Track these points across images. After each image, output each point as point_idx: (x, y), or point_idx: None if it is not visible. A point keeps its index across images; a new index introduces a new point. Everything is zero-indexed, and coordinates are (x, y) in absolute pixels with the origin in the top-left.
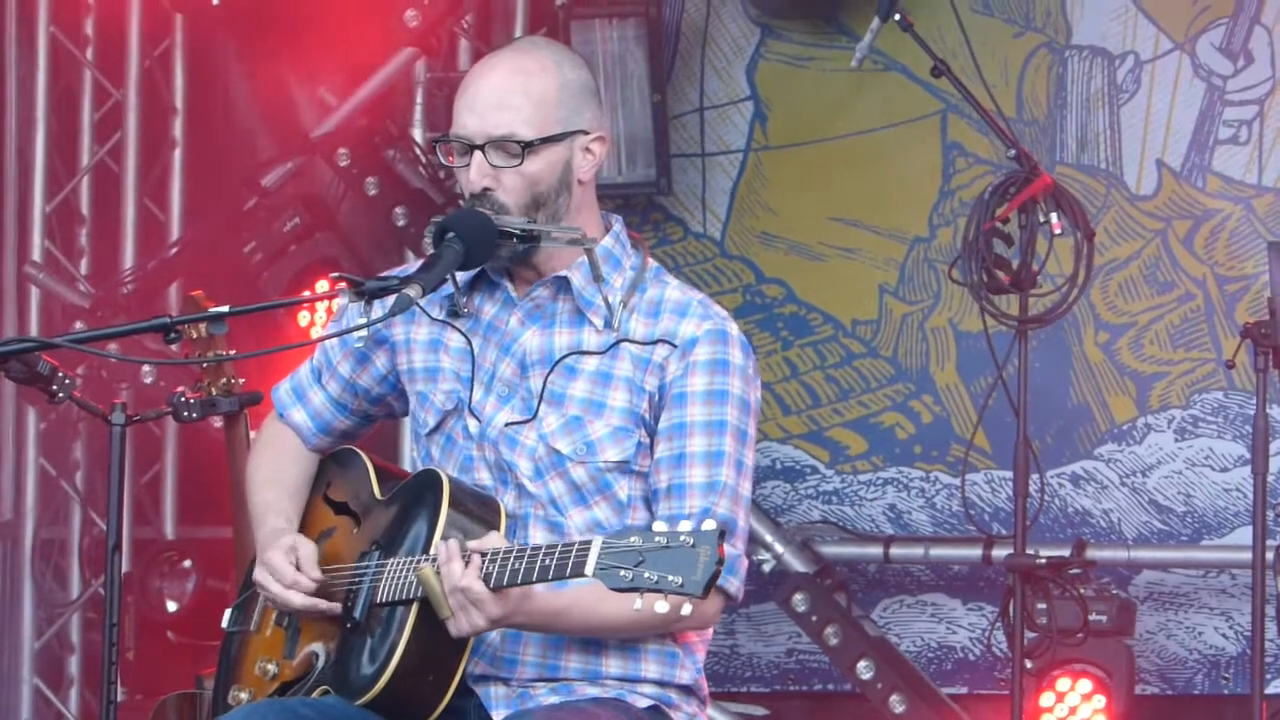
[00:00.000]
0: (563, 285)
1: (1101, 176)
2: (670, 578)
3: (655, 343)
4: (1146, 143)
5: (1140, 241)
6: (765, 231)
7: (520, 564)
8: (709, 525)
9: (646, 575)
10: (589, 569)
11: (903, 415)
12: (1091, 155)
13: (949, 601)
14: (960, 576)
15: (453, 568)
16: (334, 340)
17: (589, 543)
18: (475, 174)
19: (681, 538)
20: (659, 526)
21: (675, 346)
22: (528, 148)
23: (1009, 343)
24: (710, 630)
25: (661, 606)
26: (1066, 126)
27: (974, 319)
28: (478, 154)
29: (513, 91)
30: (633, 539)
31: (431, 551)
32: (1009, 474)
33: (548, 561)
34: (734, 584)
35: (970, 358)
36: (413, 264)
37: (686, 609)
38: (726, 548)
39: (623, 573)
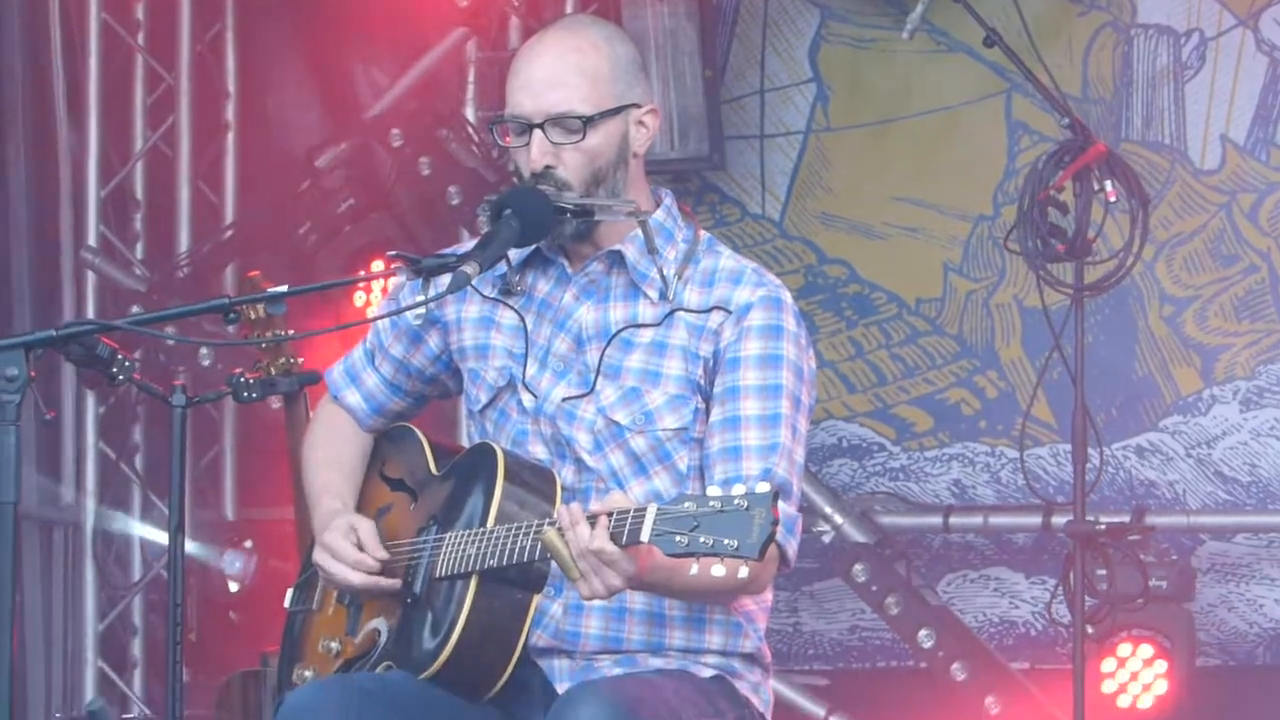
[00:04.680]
0: (616, 259)
1: (1166, 152)
2: (726, 541)
3: (710, 310)
4: (1210, 118)
5: (1204, 215)
6: (825, 212)
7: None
8: (763, 488)
9: (702, 539)
10: (645, 535)
11: (968, 391)
12: (1156, 132)
13: (1012, 575)
14: (1023, 550)
15: (581, 531)
16: (386, 322)
17: (644, 509)
18: (536, 152)
19: (736, 501)
20: (713, 491)
21: (730, 312)
22: (588, 123)
23: (1068, 314)
24: (769, 598)
25: (718, 570)
26: (1132, 104)
27: (1039, 295)
28: (537, 132)
29: (567, 70)
30: (687, 504)
31: (490, 524)
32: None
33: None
34: (792, 543)
35: (1035, 333)
36: (467, 242)
37: (744, 572)
38: (784, 506)
39: (678, 538)
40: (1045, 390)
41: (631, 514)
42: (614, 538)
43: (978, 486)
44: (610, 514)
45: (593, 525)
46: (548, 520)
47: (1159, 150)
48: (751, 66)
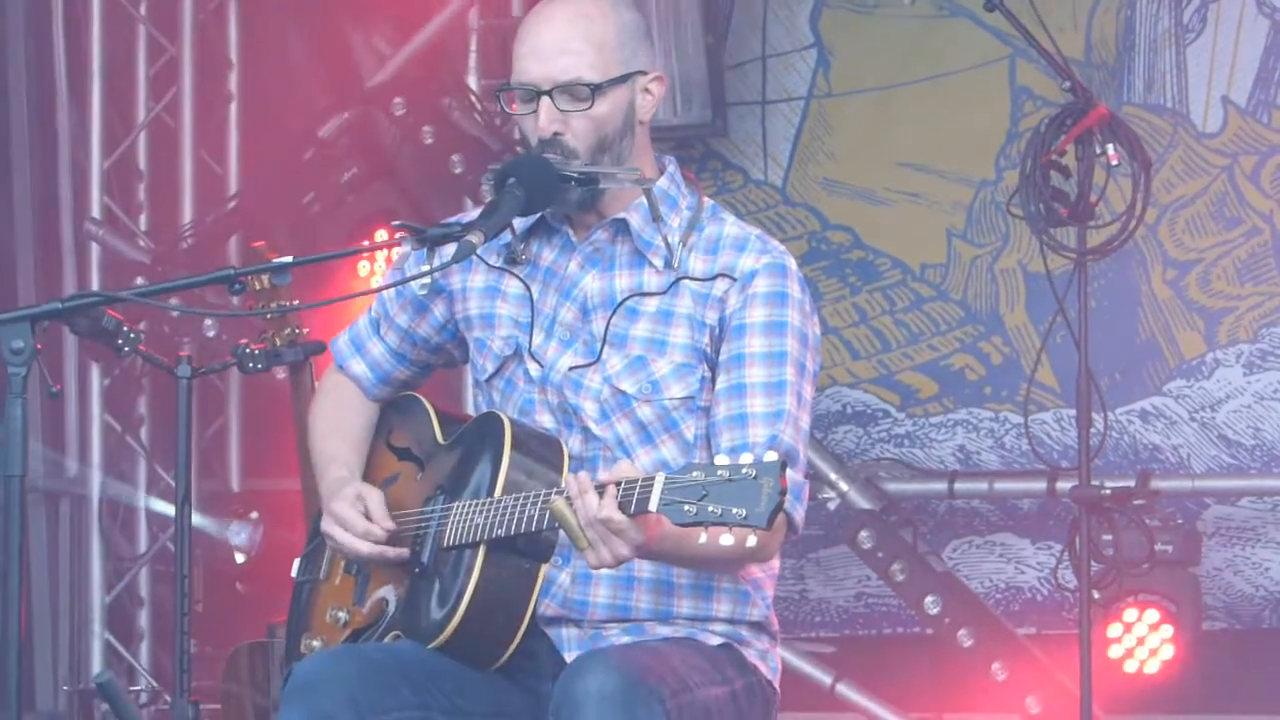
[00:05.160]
0: (621, 227)
1: (1168, 115)
2: (734, 510)
3: (715, 278)
4: (1212, 81)
5: (1207, 178)
6: (828, 178)
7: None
8: (770, 456)
9: (710, 509)
10: (653, 504)
11: (972, 357)
12: (1158, 95)
13: (1018, 541)
14: (1029, 516)
15: (589, 499)
16: (391, 292)
17: (652, 478)
18: (545, 119)
19: (744, 470)
20: (721, 460)
21: (734, 280)
22: (596, 90)
23: (1071, 278)
24: (776, 565)
25: (726, 539)
26: (1134, 68)
27: (1042, 260)
28: (545, 100)
29: (574, 37)
30: (695, 474)
31: (497, 493)
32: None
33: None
34: (799, 512)
35: (1039, 298)
36: (472, 211)
37: (752, 541)
38: (791, 474)
39: (686, 507)
40: (1049, 355)
41: (640, 483)
42: (621, 506)
43: (982, 452)
44: (618, 483)
45: (600, 495)
46: (555, 489)
47: (1161, 113)
48: (753, 32)
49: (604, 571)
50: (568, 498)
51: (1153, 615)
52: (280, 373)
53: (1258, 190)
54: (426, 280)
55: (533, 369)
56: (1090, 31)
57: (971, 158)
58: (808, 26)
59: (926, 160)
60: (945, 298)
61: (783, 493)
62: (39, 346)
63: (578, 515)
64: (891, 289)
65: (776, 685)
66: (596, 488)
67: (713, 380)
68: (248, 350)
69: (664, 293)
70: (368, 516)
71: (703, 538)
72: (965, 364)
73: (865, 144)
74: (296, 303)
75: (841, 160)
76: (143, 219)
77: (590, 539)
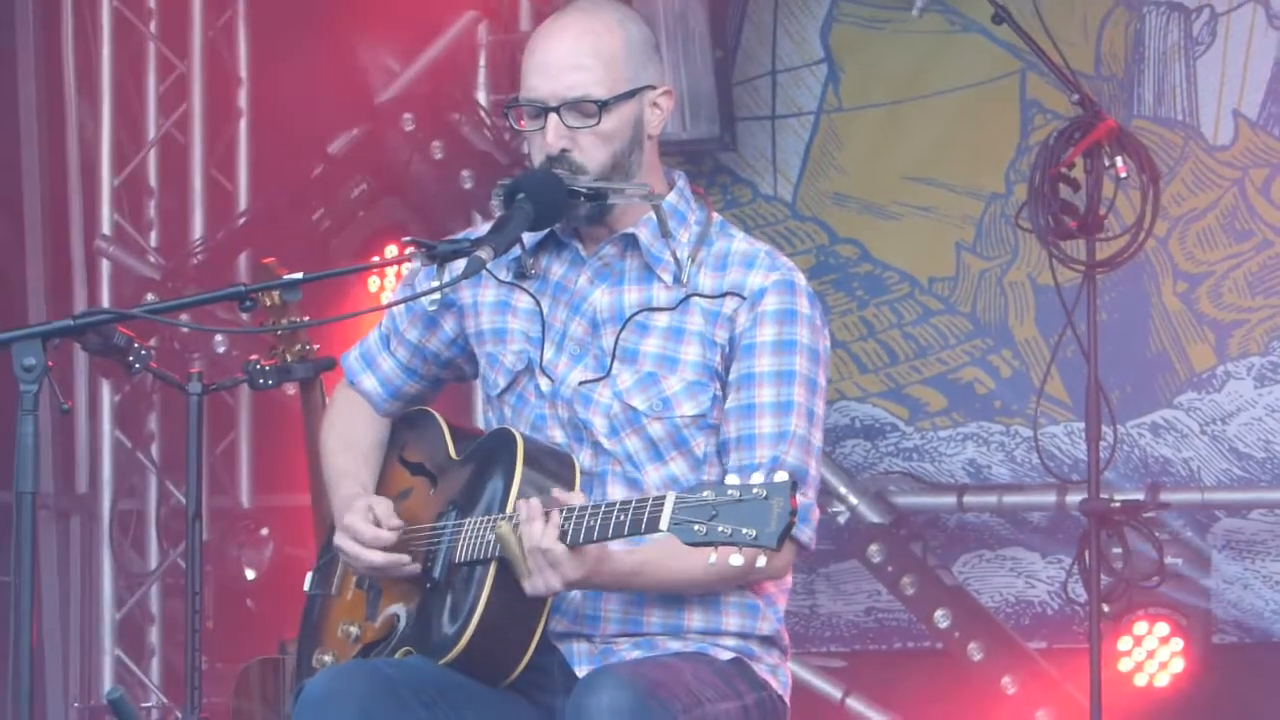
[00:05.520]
0: (630, 242)
1: (1179, 129)
2: (744, 530)
3: (724, 295)
4: (1223, 94)
5: (1218, 191)
6: (838, 192)
7: (595, 521)
8: (781, 476)
9: (720, 529)
10: (663, 524)
11: (982, 370)
12: (1169, 108)
13: (1028, 555)
14: (1039, 529)
15: (533, 527)
16: (401, 307)
17: (663, 498)
18: (552, 136)
19: (754, 490)
20: (731, 479)
21: (744, 298)
22: (603, 107)
23: (1080, 291)
24: (789, 580)
25: (736, 560)
26: (1144, 81)
27: (1051, 273)
28: (553, 116)
29: (582, 52)
30: (706, 493)
31: (509, 509)
32: None
33: (622, 518)
34: (806, 533)
35: (1049, 311)
36: (481, 226)
37: (761, 561)
38: (798, 497)
39: (696, 527)
40: (1059, 368)
41: (650, 503)
42: (562, 536)
43: (993, 466)
44: (562, 511)
45: (548, 522)
46: (505, 515)
47: (1172, 126)
48: (763, 47)
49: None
50: (516, 524)
51: (1163, 628)
52: (291, 389)
53: (1269, 203)
54: (436, 295)
55: (543, 384)
56: (1100, 45)
57: (982, 171)
58: (818, 41)
59: (936, 174)
60: (954, 311)
61: (793, 513)
62: (50, 364)
63: (522, 541)
64: (899, 302)
65: (787, 700)
66: (547, 514)
67: (724, 398)
68: (258, 366)
69: (674, 309)
70: (376, 523)
71: (712, 557)
72: (974, 377)
73: (875, 158)
74: (307, 319)
75: (851, 174)
76: (153, 235)
77: (530, 567)
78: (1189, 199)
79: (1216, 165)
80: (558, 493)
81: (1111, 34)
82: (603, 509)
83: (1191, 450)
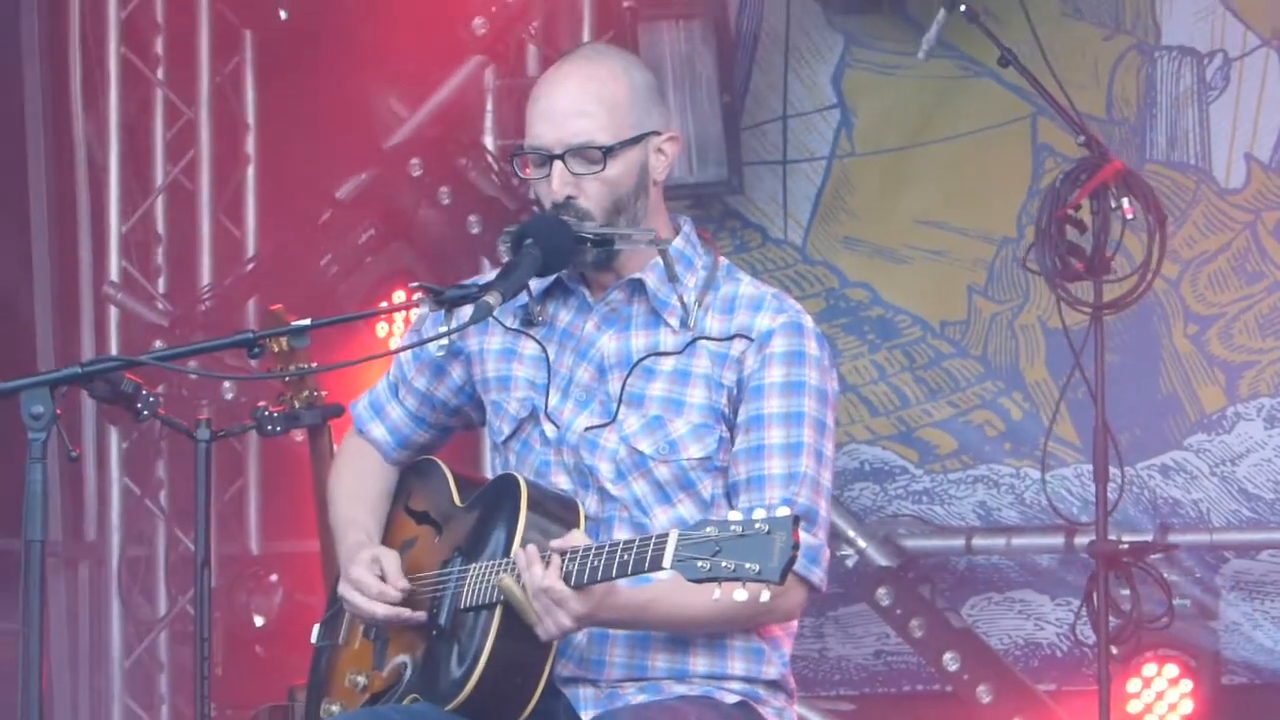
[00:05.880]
0: (637, 287)
1: (1191, 173)
2: (747, 565)
3: (732, 338)
4: (1235, 138)
5: (1229, 234)
6: (849, 236)
7: (599, 561)
8: (783, 511)
9: (723, 564)
10: (666, 561)
11: (992, 413)
12: (1181, 152)
13: (1037, 598)
14: (1049, 571)
15: (534, 571)
16: (409, 355)
17: (665, 536)
18: (557, 183)
19: (756, 525)
20: (734, 516)
21: (751, 340)
22: (608, 153)
23: (1087, 332)
24: (795, 624)
25: (740, 595)
26: (1156, 125)
27: (1065, 315)
28: (558, 163)
29: (587, 99)
30: (709, 530)
31: (514, 554)
32: None
33: (626, 557)
34: (816, 573)
35: (1059, 354)
36: (489, 272)
37: (765, 596)
38: (807, 536)
39: (700, 563)
40: (1069, 410)
41: (654, 541)
42: (567, 577)
43: (1003, 509)
44: (563, 553)
45: (547, 565)
46: (504, 564)
47: (1184, 170)
48: (773, 92)
49: (620, 631)
50: (517, 573)
51: (1172, 670)
52: (299, 435)
53: None
54: (444, 341)
55: (549, 430)
56: (1112, 89)
57: (993, 215)
58: (829, 87)
59: (947, 218)
60: (965, 354)
61: (795, 546)
62: (59, 411)
63: (526, 588)
64: (911, 346)
65: None
66: (544, 558)
67: (731, 440)
68: (267, 413)
69: (680, 352)
70: (383, 579)
71: (716, 593)
72: (985, 420)
73: (886, 202)
74: (315, 365)
75: (862, 218)
76: (161, 282)
77: (538, 610)
78: (1200, 241)
79: (1228, 208)
80: (556, 542)
81: (1123, 78)
82: (606, 548)
83: (1201, 491)
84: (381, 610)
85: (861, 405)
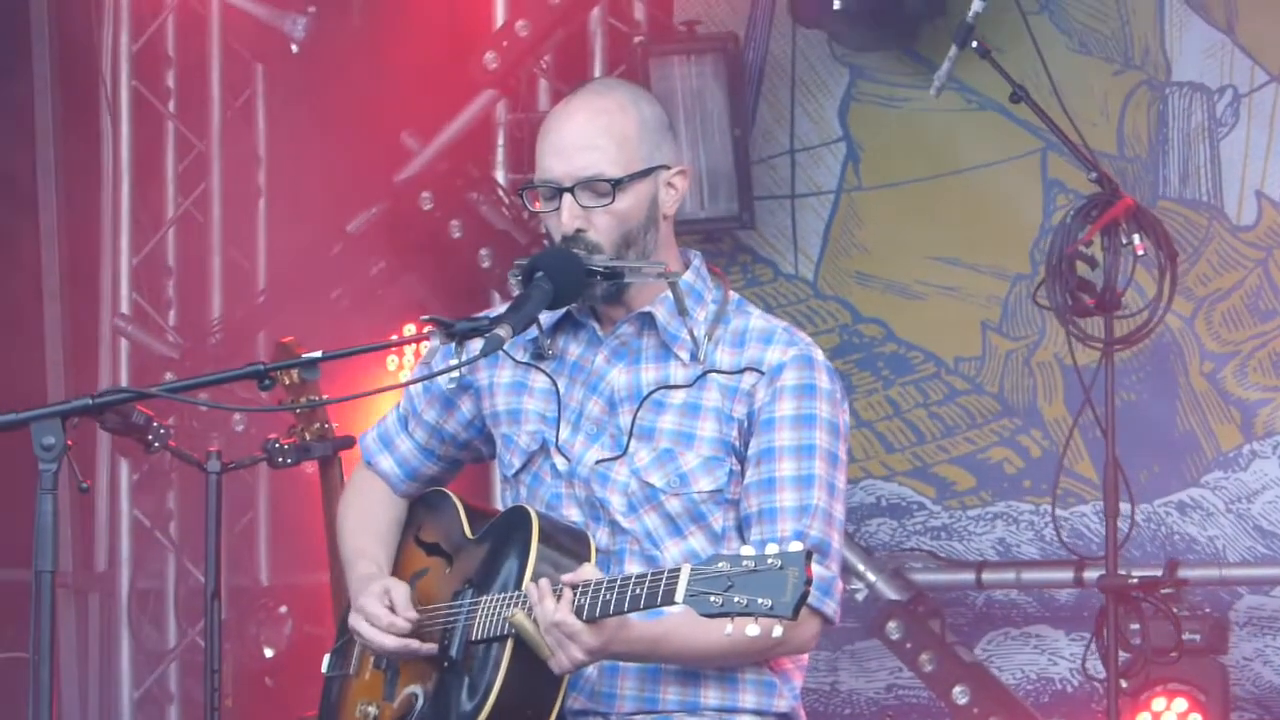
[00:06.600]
0: (647, 321)
1: (1203, 210)
2: (759, 600)
3: (742, 371)
4: (1246, 174)
5: (1242, 271)
6: (860, 271)
7: (611, 595)
8: (795, 546)
9: (736, 599)
10: (679, 596)
11: (1011, 450)
12: (1193, 189)
13: (1052, 633)
14: (1064, 607)
15: (545, 605)
16: (419, 387)
17: (678, 570)
18: (567, 216)
19: (769, 560)
20: (746, 550)
21: (762, 373)
22: (617, 186)
23: (1097, 369)
24: (806, 657)
25: (753, 630)
26: (1168, 162)
27: (1081, 352)
28: (568, 196)
29: (596, 132)
30: (721, 564)
31: (525, 586)
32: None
33: (638, 591)
34: (830, 606)
35: (1077, 391)
36: (500, 305)
37: (778, 631)
38: (819, 569)
39: (712, 598)
40: (1088, 448)
41: (666, 575)
42: (579, 611)
43: (1021, 545)
44: (575, 587)
45: (559, 599)
46: (515, 597)
47: (1196, 207)
48: (780, 126)
49: (631, 664)
50: (529, 607)
51: (1181, 704)
52: (310, 467)
53: None
54: (455, 374)
55: (559, 463)
56: (1122, 125)
57: (1006, 251)
58: (836, 121)
59: (959, 254)
60: (981, 391)
61: (808, 582)
62: (70, 442)
63: (538, 622)
64: (925, 382)
65: None
66: (555, 592)
67: (741, 473)
68: (277, 445)
69: (690, 385)
70: (392, 609)
71: (728, 628)
72: (1004, 457)
73: (897, 237)
74: (325, 397)
75: (873, 253)
76: (172, 314)
77: (550, 644)
78: (1214, 279)
79: (1241, 246)
80: (568, 575)
81: (1134, 115)
82: (618, 582)
83: (1216, 529)
84: (391, 642)
85: (876, 441)
